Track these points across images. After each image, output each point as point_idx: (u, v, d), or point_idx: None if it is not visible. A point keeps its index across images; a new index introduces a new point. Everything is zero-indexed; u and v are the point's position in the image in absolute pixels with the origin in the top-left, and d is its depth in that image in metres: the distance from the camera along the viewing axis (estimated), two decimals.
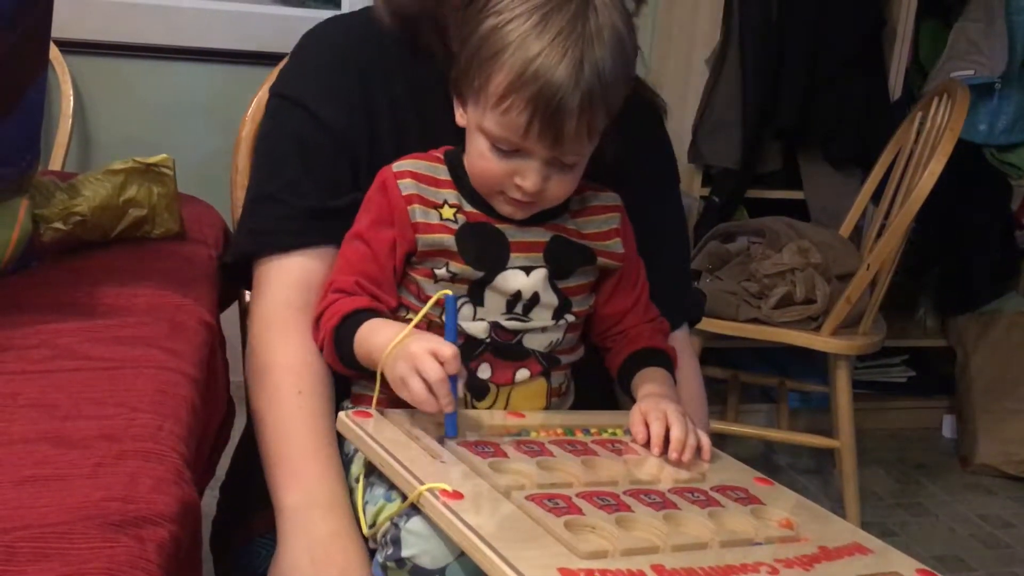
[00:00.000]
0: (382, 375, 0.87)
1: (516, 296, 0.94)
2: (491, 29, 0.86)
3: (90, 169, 1.14)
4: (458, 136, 0.96)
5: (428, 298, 0.93)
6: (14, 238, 0.96)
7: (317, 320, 0.94)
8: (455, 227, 0.93)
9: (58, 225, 1.02)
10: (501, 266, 0.94)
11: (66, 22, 1.92)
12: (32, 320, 0.86)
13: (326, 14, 2.46)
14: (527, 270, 0.94)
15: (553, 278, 0.96)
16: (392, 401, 0.89)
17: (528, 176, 0.89)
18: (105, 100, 2.36)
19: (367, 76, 1.02)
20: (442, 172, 0.96)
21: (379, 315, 0.92)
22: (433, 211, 0.94)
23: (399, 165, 0.95)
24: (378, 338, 0.88)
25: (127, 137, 2.35)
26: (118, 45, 2.31)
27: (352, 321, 0.91)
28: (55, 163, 2.09)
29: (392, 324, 0.90)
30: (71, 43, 2.19)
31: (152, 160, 1.09)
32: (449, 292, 0.87)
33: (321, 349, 0.95)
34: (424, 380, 0.82)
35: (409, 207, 0.93)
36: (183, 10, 2.35)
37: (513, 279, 0.94)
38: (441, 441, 0.85)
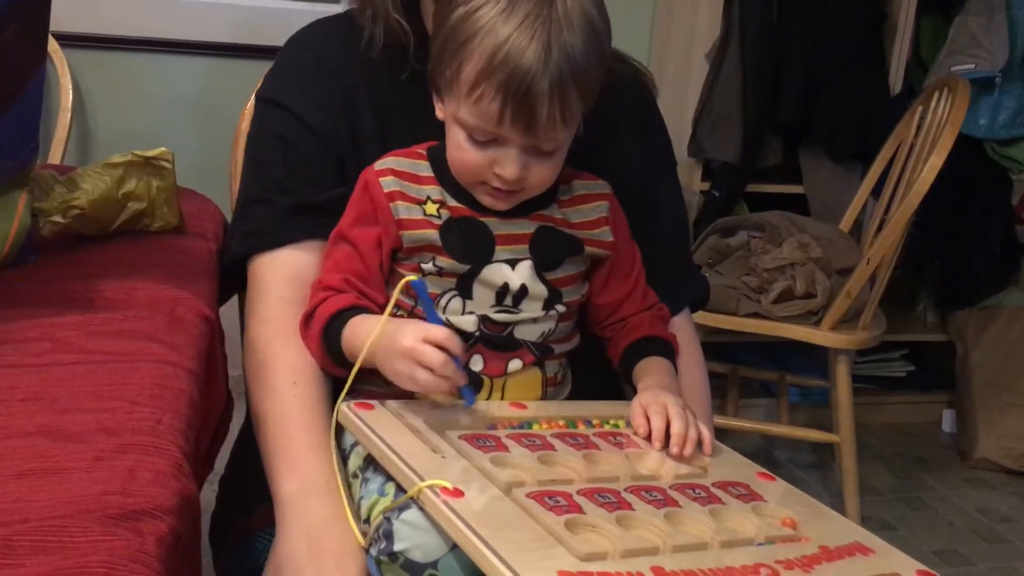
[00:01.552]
0: (363, 371, 0.87)
1: (504, 289, 0.94)
2: (460, 18, 0.86)
3: (89, 163, 1.14)
4: (444, 132, 0.96)
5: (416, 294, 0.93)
6: (13, 231, 0.95)
7: (307, 319, 0.95)
8: (439, 222, 0.93)
9: (57, 219, 1.02)
10: (486, 259, 0.94)
11: (65, 15, 1.92)
12: (31, 313, 0.86)
13: (323, 7, 2.46)
14: (512, 263, 0.94)
15: (540, 270, 0.95)
16: (395, 394, 0.89)
17: (507, 165, 0.89)
18: (104, 93, 2.35)
19: (348, 76, 1.03)
20: (424, 168, 0.96)
21: (359, 310, 0.92)
22: (416, 207, 0.94)
23: (381, 163, 0.96)
24: (361, 336, 0.88)
25: (126, 131, 2.35)
26: (117, 38, 2.31)
27: (338, 322, 0.91)
28: (54, 157, 2.09)
29: (371, 319, 0.89)
30: (70, 36, 2.19)
31: (151, 153, 1.09)
32: (412, 277, 0.87)
33: (312, 351, 0.95)
34: (429, 368, 0.82)
35: (392, 204, 0.93)
36: (182, 3, 2.34)
37: (498, 272, 0.94)
38: (442, 433, 0.84)
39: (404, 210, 0.93)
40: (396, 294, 0.88)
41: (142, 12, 2.31)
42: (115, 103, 2.36)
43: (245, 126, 1.25)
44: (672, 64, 2.53)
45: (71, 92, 2.15)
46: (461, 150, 0.90)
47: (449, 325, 0.93)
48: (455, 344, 0.83)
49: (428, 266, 0.93)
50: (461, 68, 0.86)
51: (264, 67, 1.17)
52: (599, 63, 0.89)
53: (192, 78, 2.39)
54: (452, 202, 0.95)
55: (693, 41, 2.45)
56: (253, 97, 1.25)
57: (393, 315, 0.89)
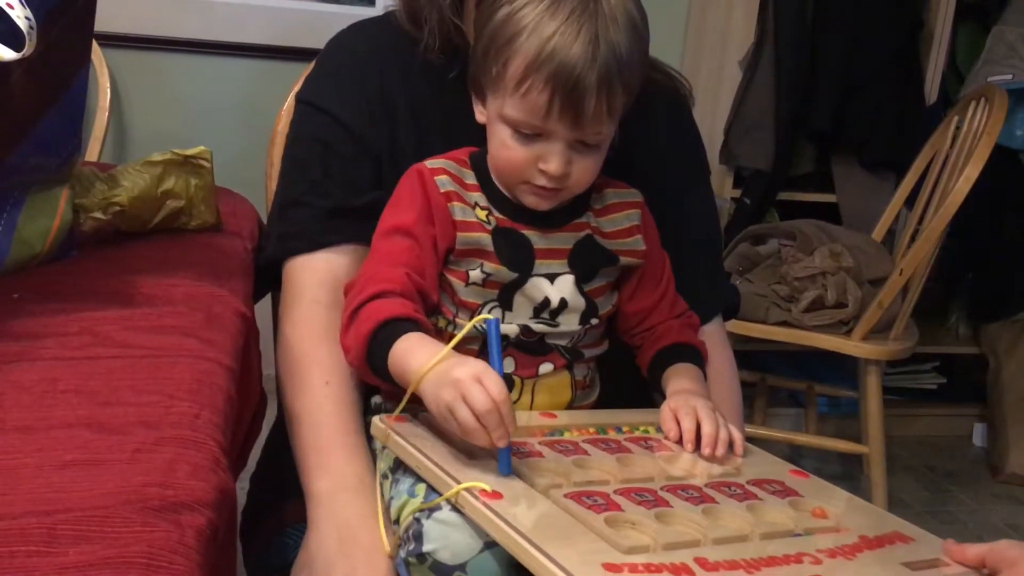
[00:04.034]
0: (414, 396, 0.83)
1: (544, 303, 0.95)
2: (505, 17, 0.88)
3: (125, 161, 1.15)
4: (479, 138, 0.96)
5: (461, 302, 0.94)
6: (55, 227, 0.97)
7: (353, 313, 0.89)
8: (490, 228, 0.94)
9: (98, 215, 1.03)
10: (528, 272, 0.94)
11: (104, 15, 1.93)
12: (72, 307, 0.87)
13: (360, 10, 2.47)
14: (551, 277, 0.95)
15: (579, 282, 0.96)
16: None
17: (552, 159, 0.89)
18: (141, 93, 2.38)
19: (387, 80, 1.04)
20: (469, 176, 0.96)
21: (416, 325, 0.86)
22: (470, 209, 0.94)
23: (433, 163, 0.96)
24: (415, 360, 0.82)
25: (162, 130, 2.37)
26: (155, 39, 2.34)
27: (388, 331, 0.85)
28: (91, 155, 2.12)
29: (431, 344, 0.84)
30: (109, 36, 2.22)
31: (190, 152, 1.10)
32: (491, 317, 0.84)
33: (348, 350, 0.90)
34: (472, 409, 0.77)
35: (449, 204, 0.93)
36: (220, 5, 2.37)
37: (538, 287, 0.94)
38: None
39: (460, 211, 0.93)
40: (468, 327, 0.86)
41: (180, 13, 2.34)
42: (152, 103, 2.39)
43: (281, 127, 1.26)
44: (705, 70, 2.52)
45: (109, 91, 2.18)
46: (506, 148, 0.91)
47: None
48: (506, 406, 0.76)
49: (475, 272, 0.93)
50: (508, 64, 0.87)
51: (301, 69, 1.18)
52: (641, 60, 0.90)
53: (229, 80, 2.42)
54: (496, 213, 0.95)
55: (726, 47, 2.45)
56: (290, 99, 1.26)
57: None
